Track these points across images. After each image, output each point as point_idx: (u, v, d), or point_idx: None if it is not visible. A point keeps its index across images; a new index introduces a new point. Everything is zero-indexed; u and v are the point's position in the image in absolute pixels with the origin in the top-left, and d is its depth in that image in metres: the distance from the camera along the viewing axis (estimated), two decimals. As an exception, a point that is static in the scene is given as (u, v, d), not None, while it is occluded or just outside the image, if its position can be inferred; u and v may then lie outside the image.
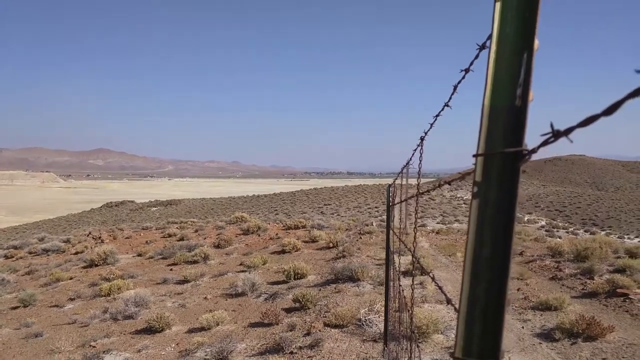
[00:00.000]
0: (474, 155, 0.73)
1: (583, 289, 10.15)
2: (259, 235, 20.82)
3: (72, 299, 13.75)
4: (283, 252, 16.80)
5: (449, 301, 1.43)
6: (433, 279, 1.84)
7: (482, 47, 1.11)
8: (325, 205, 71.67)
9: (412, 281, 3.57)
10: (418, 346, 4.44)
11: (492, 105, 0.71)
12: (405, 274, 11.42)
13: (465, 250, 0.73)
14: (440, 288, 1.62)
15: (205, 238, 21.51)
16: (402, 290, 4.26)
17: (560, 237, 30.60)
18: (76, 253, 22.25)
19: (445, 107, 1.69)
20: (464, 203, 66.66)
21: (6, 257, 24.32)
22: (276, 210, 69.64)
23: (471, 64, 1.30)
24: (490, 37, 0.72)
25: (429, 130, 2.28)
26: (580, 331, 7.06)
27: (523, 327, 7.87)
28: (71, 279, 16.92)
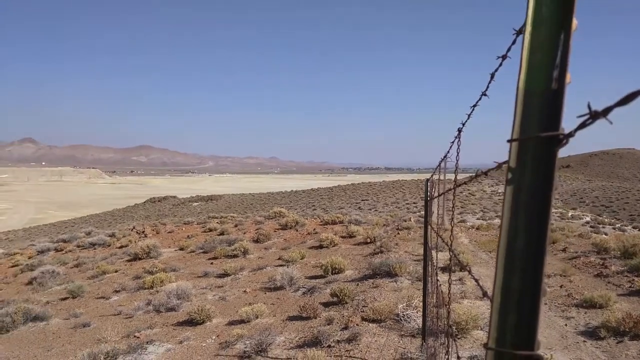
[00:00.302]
0: (508, 141, 0.70)
1: (630, 287, 9.72)
2: (297, 230, 20.96)
3: (117, 291, 14.23)
4: (320, 247, 16.86)
5: (485, 294, 1.39)
6: (470, 272, 1.81)
7: (519, 32, 1.07)
8: (362, 200, 71.40)
9: (449, 276, 3.51)
10: (456, 341, 4.37)
11: (527, 89, 0.69)
12: (444, 269, 11.25)
13: (499, 238, 0.71)
14: (477, 281, 1.59)
15: (244, 233, 21.84)
16: (440, 286, 4.20)
17: (606, 234, 29.39)
18: (121, 247, 23.03)
19: (483, 97, 1.64)
20: (506, 198, 64.90)
21: (56, 250, 25.43)
22: (314, 205, 69.90)
23: (508, 49, 1.25)
24: (525, 19, 0.69)
25: (466, 121, 2.22)
26: (627, 330, 6.77)
27: (566, 325, 7.62)
28: (116, 271, 17.53)
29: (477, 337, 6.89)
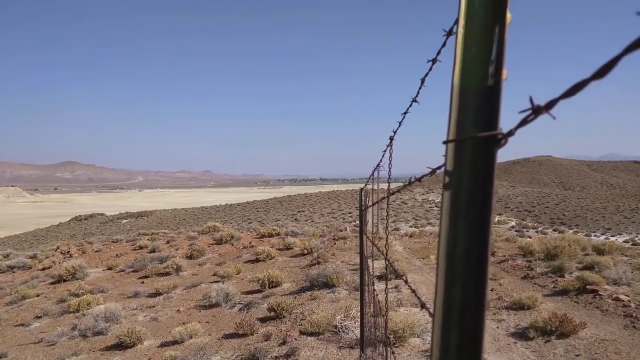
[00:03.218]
0: (444, 142, 0.66)
1: (554, 287, 10.31)
2: (233, 245, 20.53)
3: (38, 317, 13.23)
4: (257, 260, 16.59)
5: (423, 305, 1.36)
6: (406, 282, 1.78)
7: (450, 33, 1.05)
8: (299, 212, 71.48)
9: (386, 285, 3.51)
10: (393, 352, 4.39)
11: (462, 86, 0.64)
12: (380, 278, 11.40)
13: (438, 247, 0.66)
14: (413, 291, 1.56)
15: (177, 249, 21.08)
16: (377, 295, 4.20)
17: (530, 237, 31.19)
18: (43, 269, 21.48)
19: (414, 103, 1.63)
20: (436, 206, 67.46)
21: (-32, 275, 23.31)
22: (250, 218, 69.08)
23: (438, 52, 1.23)
24: (458, 12, 0.65)
25: (397, 128, 2.22)
26: (554, 329, 7.13)
27: (498, 327, 7.92)
28: (38, 296, 16.30)
29: (414, 345, 6.98)
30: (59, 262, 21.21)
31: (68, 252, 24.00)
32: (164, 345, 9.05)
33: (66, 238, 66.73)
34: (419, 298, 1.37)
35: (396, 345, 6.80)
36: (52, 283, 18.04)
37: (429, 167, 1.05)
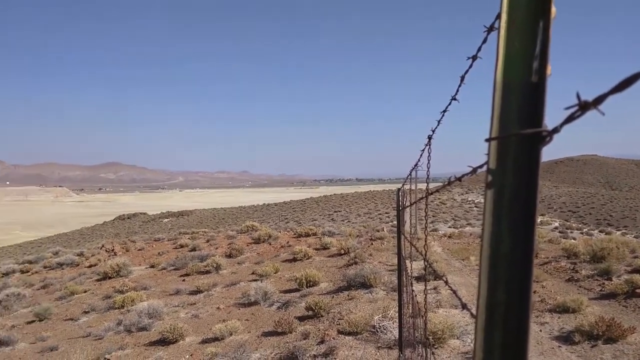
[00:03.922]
0: (486, 140, 0.64)
1: (601, 290, 9.92)
2: (270, 244, 20.75)
3: (86, 312, 13.76)
4: (294, 260, 16.70)
5: (464, 306, 1.34)
6: (446, 282, 1.75)
7: (491, 28, 1.02)
8: (335, 212, 71.50)
9: (425, 286, 3.46)
10: (433, 353, 4.33)
11: (505, 82, 0.63)
12: (419, 279, 11.26)
13: (481, 247, 0.65)
14: (454, 292, 1.53)
15: (217, 248, 21.48)
16: (416, 296, 4.16)
17: (574, 238, 30.13)
18: (90, 266, 22.33)
19: (453, 101, 1.60)
20: (476, 206, 66.09)
21: (22, 271, 24.48)
22: (287, 218, 69.60)
23: (479, 49, 1.21)
24: (500, 7, 0.64)
25: (436, 127, 2.18)
26: (601, 333, 6.87)
27: (541, 330, 7.69)
28: (85, 292, 16.96)
29: (454, 347, 6.87)
30: (104, 260, 21.98)
31: (112, 250, 24.84)
32: (205, 341, 9.24)
33: (110, 236, 69.07)
34: (459, 299, 1.34)
35: (435, 346, 6.70)
36: (98, 280, 18.73)
37: (469, 166, 1.03)
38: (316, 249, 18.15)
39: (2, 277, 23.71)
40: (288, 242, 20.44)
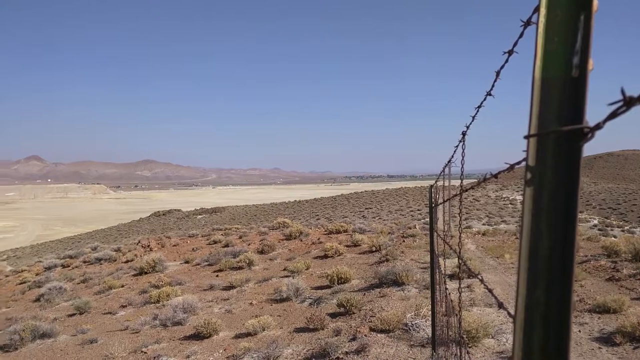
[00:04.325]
0: (525, 137, 0.63)
1: (644, 290, 9.56)
2: (302, 240, 20.86)
3: (123, 306, 14.16)
4: (325, 256, 16.74)
5: (500, 305, 1.32)
6: (482, 281, 1.73)
7: (528, 23, 1.00)
8: (366, 209, 71.26)
9: (459, 284, 3.42)
10: (468, 351, 4.27)
11: (544, 78, 0.61)
12: (452, 277, 11.11)
13: (520, 245, 0.64)
14: (490, 291, 1.51)
15: (249, 244, 21.74)
16: (449, 294, 4.11)
17: (615, 236, 29.14)
18: (127, 261, 22.97)
19: (488, 97, 1.57)
20: (511, 203, 64.68)
21: (63, 266, 25.42)
22: (317, 215, 69.79)
23: (515, 44, 1.18)
24: (539, 1, 0.63)
25: (470, 123, 2.15)
26: (643, 334, 6.62)
27: (580, 331, 7.47)
28: (122, 286, 17.45)
29: (489, 346, 6.76)
30: (140, 256, 22.56)
31: (148, 245, 25.47)
32: (238, 336, 9.37)
33: (146, 232, 70.82)
34: (495, 298, 1.32)
35: (470, 345, 6.61)
36: (134, 275, 19.24)
37: (506, 163, 1.01)
38: (347, 246, 18.15)
39: (45, 271, 24.67)
40: (319, 239, 20.50)
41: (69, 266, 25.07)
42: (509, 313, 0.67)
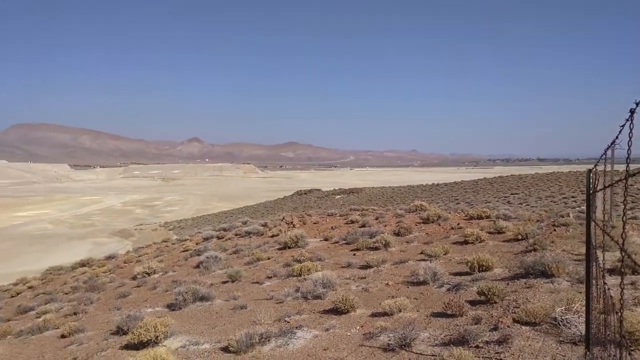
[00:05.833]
0: None
1: None
2: (440, 225, 20.38)
3: (269, 277, 15.29)
4: (465, 242, 16.17)
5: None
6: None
7: None
8: (512, 194, 66.82)
9: (622, 279, 3.09)
10: (630, 354, 3.86)
11: None
12: (612, 271, 9.99)
13: None
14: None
15: (385, 225, 21.88)
16: (608, 290, 3.73)
17: None
18: (272, 236, 24.69)
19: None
20: (690, 192, 55.47)
21: (218, 237, 28.25)
22: (457, 199, 67.32)
23: None
24: None
25: (647, 101, 1.90)
26: None
27: None
28: (268, 259, 18.84)
29: (656, 351, 5.99)
30: (284, 231, 24.07)
31: (291, 222, 27.03)
32: (374, 315, 9.57)
33: (289, 210, 75.13)
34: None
35: (632, 348, 5.93)
36: (279, 249, 20.62)
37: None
38: (489, 233, 17.30)
39: (203, 241, 27.65)
40: (458, 224, 19.84)
41: (223, 238, 27.77)
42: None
